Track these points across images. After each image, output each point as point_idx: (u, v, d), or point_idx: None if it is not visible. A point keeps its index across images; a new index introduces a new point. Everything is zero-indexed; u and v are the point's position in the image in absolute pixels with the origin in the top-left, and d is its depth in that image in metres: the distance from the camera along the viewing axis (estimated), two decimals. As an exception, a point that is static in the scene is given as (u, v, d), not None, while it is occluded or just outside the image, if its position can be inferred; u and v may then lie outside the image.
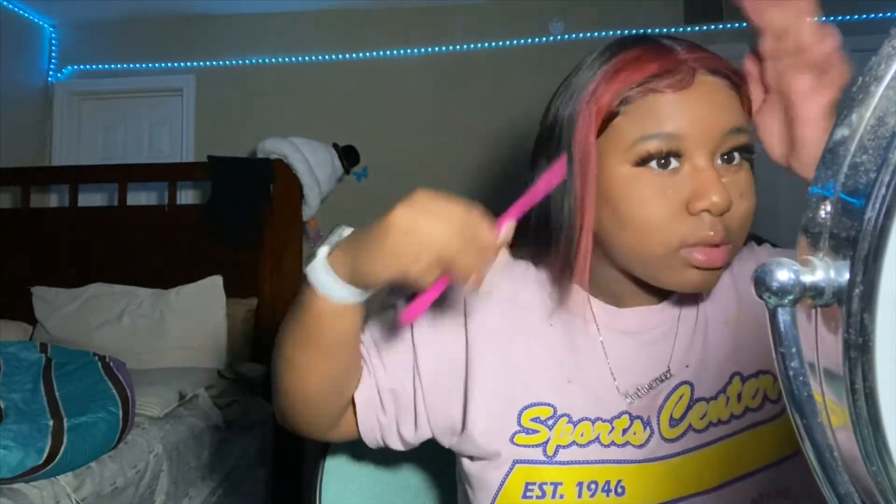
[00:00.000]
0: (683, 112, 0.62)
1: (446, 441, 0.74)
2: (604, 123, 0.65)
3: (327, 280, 0.59)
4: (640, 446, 0.69)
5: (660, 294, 0.73)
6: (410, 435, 0.73)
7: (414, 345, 0.72)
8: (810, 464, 0.27)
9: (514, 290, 0.74)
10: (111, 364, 1.83)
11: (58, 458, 1.44)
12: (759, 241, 0.81)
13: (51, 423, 1.50)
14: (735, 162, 0.64)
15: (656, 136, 0.62)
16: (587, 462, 0.68)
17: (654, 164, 0.63)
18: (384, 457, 0.93)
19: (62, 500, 1.44)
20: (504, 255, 0.77)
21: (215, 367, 2.45)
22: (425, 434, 0.73)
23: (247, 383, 2.45)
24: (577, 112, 0.66)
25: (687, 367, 0.71)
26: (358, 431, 0.73)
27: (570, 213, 0.67)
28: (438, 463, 0.94)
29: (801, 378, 0.26)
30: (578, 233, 0.67)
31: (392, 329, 0.73)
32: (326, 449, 0.92)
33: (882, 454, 0.24)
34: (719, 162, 0.64)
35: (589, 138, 0.66)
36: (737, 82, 0.65)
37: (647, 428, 0.70)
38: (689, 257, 0.63)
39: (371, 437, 0.74)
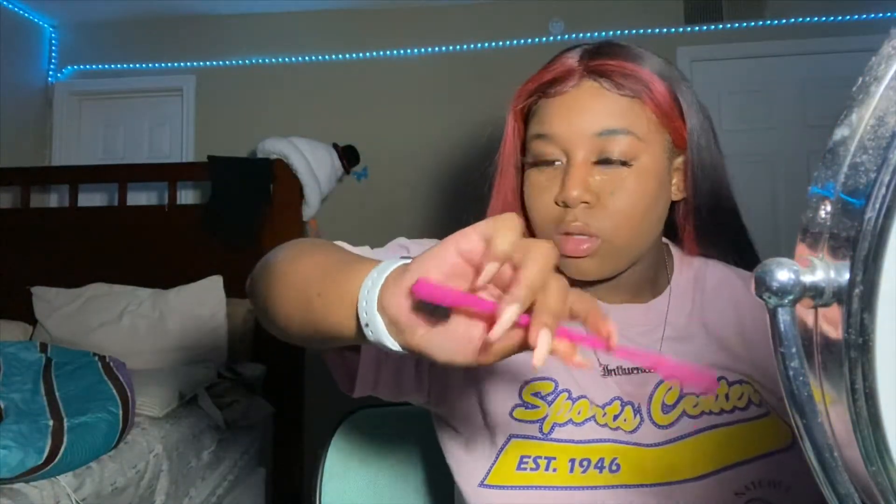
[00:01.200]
0: (561, 114, 0.69)
1: (445, 411, 0.75)
2: (526, 123, 0.74)
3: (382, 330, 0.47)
4: (631, 432, 0.71)
5: (642, 296, 0.76)
6: (413, 400, 0.75)
7: None
8: (810, 464, 0.27)
9: None
10: (111, 364, 1.83)
11: (58, 458, 1.44)
12: (742, 248, 0.81)
13: (51, 423, 1.50)
14: (613, 166, 0.69)
15: (541, 137, 0.70)
16: (581, 441, 0.70)
17: (544, 162, 0.71)
18: (384, 457, 0.93)
19: (62, 500, 1.44)
20: None
21: (215, 367, 2.45)
22: (425, 402, 0.75)
23: (247, 383, 2.45)
24: (507, 116, 0.76)
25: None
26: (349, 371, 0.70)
27: (495, 210, 0.77)
28: (439, 463, 0.94)
29: (801, 378, 0.26)
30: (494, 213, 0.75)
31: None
32: (327, 449, 0.92)
33: (882, 454, 0.24)
34: (601, 165, 0.69)
35: (509, 133, 0.76)
36: (634, 87, 0.69)
37: (638, 415, 0.72)
38: (561, 245, 0.69)
39: (363, 386, 0.70)
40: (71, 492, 1.46)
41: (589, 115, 0.68)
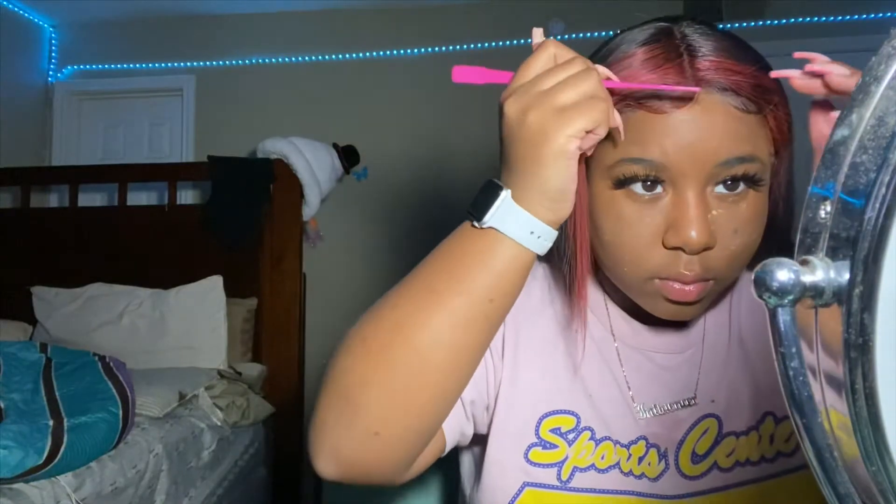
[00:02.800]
0: (671, 137, 0.54)
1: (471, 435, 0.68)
2: None
3: (531, 223, 0.50)
4: (654, 479, 0.64)
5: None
6: (483, 422, 0.67)
7: (504, 325, 0.66)
8: (810, 464, 0.27)
9: (542, 289, 0.70)
10: (111, 364, 1.83)
11: (58, 458, 1.44)
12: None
13: (51, 423, 1.50)
14: (738, 191, 0.56)
15: (638, 161, 0.55)
16: (604, 491, 0.63)
17: (637, 186, 0.57)
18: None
19: (62, 500, 1.44)
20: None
21: (215, 367, 2.45)
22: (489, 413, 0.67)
23: (247, 383, 2.45)
24: None
25: (713, 400, 0.66)
26: (444, 448, 0.64)
27: (563, 233, 0.62)
28: (439, 463, 0.94)
29: (801, 378, 0.26)
30: (574, 243, 0.62)
31: None
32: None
33: (882, 454, 0.24)
34: (721, 188, 0.56)
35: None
36: (758, 102, 0.55)
37: (663, 461, 0.64)
38: (662, 288, 0.58)
39: (450, 447, 0.66)
40: (71, 492, 1.46)
41: (712, 141, 0.54)
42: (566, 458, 0.64)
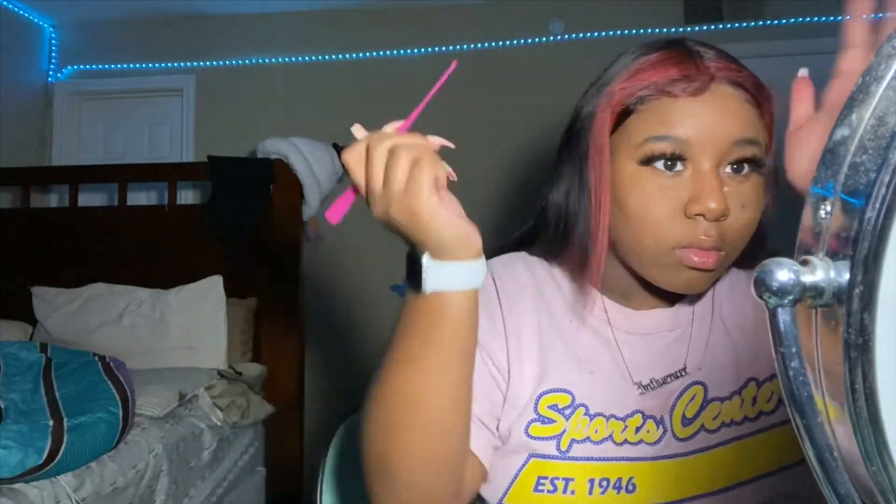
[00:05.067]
0: (693, 118, 0.64)
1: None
2: (619, 120, 0.67)
3: (454, 270, 0.57)
4: (654, 444, 0.70)
5: (671, 297, 0.74)
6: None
7: (488, 357, 0.71)
8: (810, 464, 0.27)
9: (538, 286, 0.75)
10: (111, 364, 1.83)
11: (58, 458, 1.44)
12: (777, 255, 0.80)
13: (51, 423, 1.50)
14: (743, 172, 0.66)
15: (664, 139, 0.64)
16: (600, 459, 0.69)
17: (660, 164, 0.65)
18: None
19: (62, 500, 1.44)
20: (521, 259, 0.78)
21: (215, 367, 2.45)
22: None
23: (247, 383, 2.45)
24: (597, 108, 0.69)
25: (700, 369, 0.72)
26: (487, 475, 0.70)
27: (586, 208, 0.69)
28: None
29: (801, 378, 0.26)
30: (595, 227, 0.68)
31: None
32: (327, 449, 0.92)
33: (882, 454, 0.24)
34: (728, 170, 0.65)
35: (604, 134, 0.68)
36: (757, 97, 0.66)
37: (661, 426, 0.70)
38: (682, 257, 0.65)
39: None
40: (71, 492, 1.46)
41: (726, 121, 0.64)
42: (564, 431, 0.70)
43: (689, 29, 3.15)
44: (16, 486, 1.39)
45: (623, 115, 0.67)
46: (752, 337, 0.74)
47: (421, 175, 0.54)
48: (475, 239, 0.57)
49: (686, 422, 0.71)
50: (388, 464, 0.60)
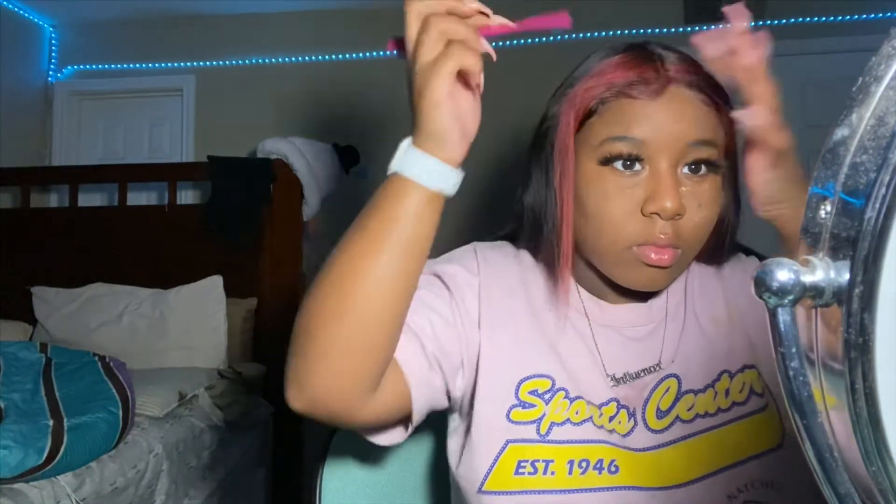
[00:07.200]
0: (650, 119, 0.66)
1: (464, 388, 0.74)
2: (583, 121, 0.70)
3: (424, 161, 0.57)
4: (624, 436, 0.71)
5: (643, 294, 0.75)
6: (461, 387, 0.73)
7: (452, 297, 0.73)
8: (810, 464, 0.27)
9: (522, 273, 0.77)
10: (111, 364, 1.83)
11: (58, 458, 1.44)
12: (747, 253, 0.83)
13: (51, 423, 1.50)
14: (700, 172, 0.68)
15: (622, 139, 0.66)
16: (580, 441, 0.70)
17: (619, 164, 0.67)
18: (384, 457, 0.93)
19: (62, 500, 1.44)
20: (510, 246, 0.80)
21: (215, 367, 2.45)
22: (470, 382, 0.73)
23: (247, 383, 2.45)
24: (560, 110, 0.71)
25: (673, 362, 0.74)
26: (410, 398, 0.67)
27: (552, 207, 0.72)
28: (438, 463, 0.94)
29: (801, 378, 0.26)
30: (560, 226, 0.71)
31: (431, 294, 0.72)
32: (326, 449, 0.92)
33: (882, 454, 0.24)
34: (685, 170, 0.67)
35: (568, 134, 0.70)
36: (715, 99, 0.67)
37: (632, 419, 0.72)
38: (639, 254, 0.67)
39: (421, 407, 0.68)
40: (71, 492, 1.46)
41: (683, 123, 0.66)
42: (544, 415, 0.71)
43: (689, 29, 3.15)
44: (16, 486, 1.39)
45: (586, 116, 0.69)
46: (726, 330, 0.75)
47: (446, 59, 0.54)
48: (457, 146, 0.58)
49: (661, 414, 0.72)
50: (311, 325, 0.60)
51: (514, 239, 0.81)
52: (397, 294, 0.60)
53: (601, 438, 0.70)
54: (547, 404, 0.71)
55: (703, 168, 0.68)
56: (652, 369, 0.74)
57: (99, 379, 1.76)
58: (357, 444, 0.92)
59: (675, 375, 0.73)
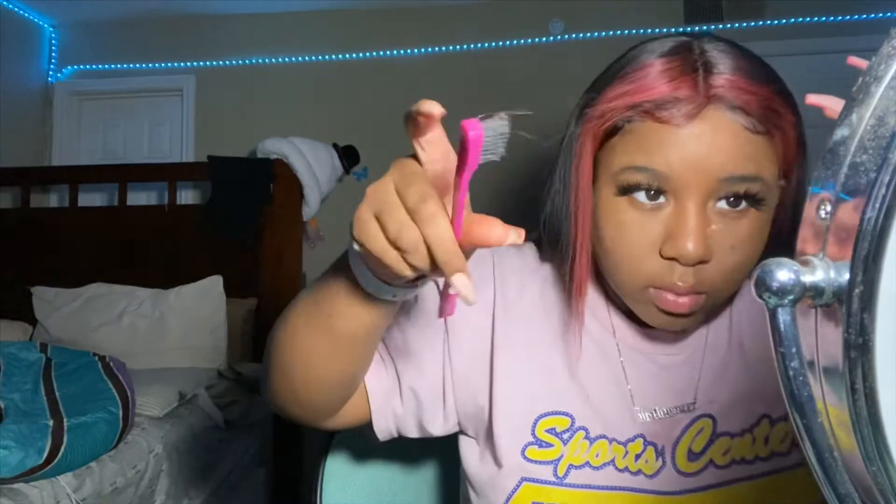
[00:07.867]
0: (677, 148, 0.55)
1: (471, 430, 0.70)
2: (607, 137, 0.61)
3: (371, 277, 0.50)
4: (651, 476, 0.65)
5: None
6: (438, 427, 0.69)
7: (446, 329, 0.67)
8: (810, 464, 0.27)
9: (542, 290, 0.70)
10: (111, 364, 1.83)
11: (58, 458, 1.44)
12: None
13: (51, 423, 1.50)
14: (740, 207, 0.57)
15: (642, 170, 0.57)
16: (599, 487, 0.65)
17: (640, 194, 0.58)
18: (384, 457, 0.93)
19: (62, 500, 1.44)
20: (533, 254, 0.73)
21: (215, 367, 2.45)
22: (453, 426, 0.70)
23: (247, 383, 2.45)
24: (580, 129, 0.62)
25: (711, 402, 0.67)
26: (370, 420, 0.68)
27: (567, 232, 0.64)
28: (439, 464, 0.94)
29: (801, 378, 0.26)
30: (574, 247, 0.63)
31: (417, 319, 0.68)
32: (327, 449, 0.92)
33: (882, 454, 0.24)
34: (722, 204, 0.57)
35: (585, 154, 0.61)
36: (767, 125, 0.56)
37: (660, 458, 0.65)
38: (655, 297, 0.59)
39: (384, 428, 0.69)
40: (71, 492, 1.46)
41: (718, 157, 0.55)
42: (562, 456, 0.65)
43: (689, 29, 3.15)
44: (16, 486, 1.39)
45: (608, 134, 0.60)
46: (770, 369, 0.69)
47: (404, 267, 0.43)
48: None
49: (693, 456, 0.65)
50: (272, 364, 0.62)
51: (539, 243, 0.74)
52: (341, 374, 0.60)
53: (623, 485, 0.65)
54: (565, 444, 0.65)
55: (744, 203, 0.57)
56: (686, 408, 0.67)
57: (99, 379, 1.76)
58: (358, 444, 0.92)
59: (710, 416, 0.66)
